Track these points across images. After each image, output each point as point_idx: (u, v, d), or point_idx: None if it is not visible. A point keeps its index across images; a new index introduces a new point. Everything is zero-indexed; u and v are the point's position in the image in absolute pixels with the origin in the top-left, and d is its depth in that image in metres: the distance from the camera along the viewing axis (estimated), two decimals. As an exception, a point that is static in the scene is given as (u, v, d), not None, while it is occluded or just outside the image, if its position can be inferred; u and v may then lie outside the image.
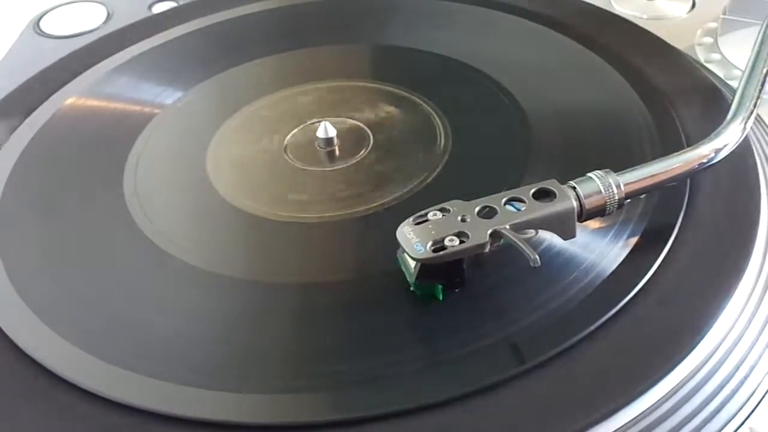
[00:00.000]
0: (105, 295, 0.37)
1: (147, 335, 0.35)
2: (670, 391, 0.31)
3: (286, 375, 0.33)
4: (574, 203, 0.34)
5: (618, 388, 0.30)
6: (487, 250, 0.32)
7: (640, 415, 0.30)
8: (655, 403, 0.31)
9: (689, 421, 0.31)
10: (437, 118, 0.46)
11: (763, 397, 0.33)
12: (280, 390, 0.32)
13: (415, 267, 0.33)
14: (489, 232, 0.32)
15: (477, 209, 0.33)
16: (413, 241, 0.32)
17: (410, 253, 0.32)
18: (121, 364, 0.33)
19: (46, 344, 0.34)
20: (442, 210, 0.34)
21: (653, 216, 0.37)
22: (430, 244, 0.32)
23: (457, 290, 0.34)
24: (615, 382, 0.31)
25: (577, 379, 0.31)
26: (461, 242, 0.32)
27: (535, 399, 0.30)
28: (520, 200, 0.34)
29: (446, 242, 0.32)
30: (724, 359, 0.33)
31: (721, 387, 0.32)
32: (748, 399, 0.32)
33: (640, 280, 0.34)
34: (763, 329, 0.34)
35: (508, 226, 0.32)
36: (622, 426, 0.30)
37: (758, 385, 0.33)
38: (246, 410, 0.31)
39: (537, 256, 0.31)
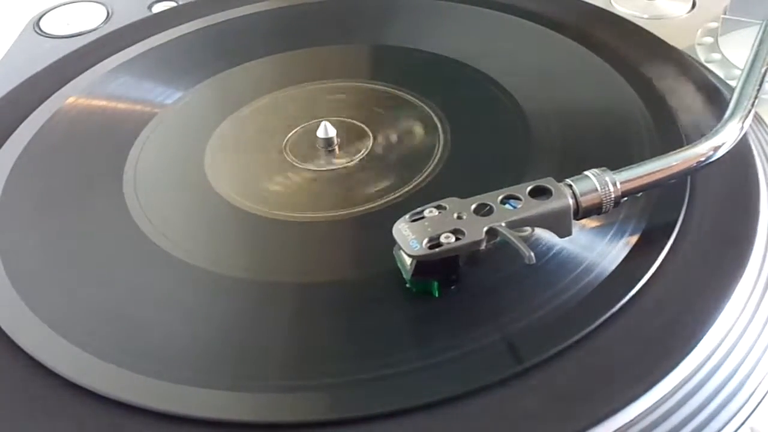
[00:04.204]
0: (104, 295, 0.37)
1: (146, 334, 0.35)
2: (670, 390, 0.31)
3: (284, 374, 0.33)
4: (570, 201, 0.34)
5: (618, 387, 0.30)
6: (483, 247, 0.32)
7: (640, 415, 0.30)
8: (656, 402, 0.31)
9: (690, 420, 0.31)
10: (437, 118, 0.46)
11: (764, 396, 0.32)
12: (278, 389, 0.32)
13: (411, 264, 0.33)
14: (485, 229, 0.32)
15: (473, 206, 0.33)
16: (409, 238, 0.32)
17: (406, 250, 0.32)
18: (121, 364, 0.33)
19: (47, 344, 0.34)
20: (438, 207, 0.34)
21: (653, 215, 0.37)
22: (426, 241, 0.32)
23: (453, 287, 0.34)
24: (615, 382, 0.31)
25: (576, 379, 0.31)
26: (457, 239, 0.32)
27: (535, 399, 0.30)
28: (517, 198, 0.34)
29: (442, 239, 0.32)
30: (724, 359, 0.32)
31: (721, 386, 0.32)
32: (749, 398, 0.32)
33: (640, 280, 0.34)
34: (763, 328, 0.34)
35: (504, 224, 0.32)
36: (623, 426, 0.30)
37: (759, 385, 0.33)
38: (244, 409, 0.31)
39: (532, 254, 0.31)
